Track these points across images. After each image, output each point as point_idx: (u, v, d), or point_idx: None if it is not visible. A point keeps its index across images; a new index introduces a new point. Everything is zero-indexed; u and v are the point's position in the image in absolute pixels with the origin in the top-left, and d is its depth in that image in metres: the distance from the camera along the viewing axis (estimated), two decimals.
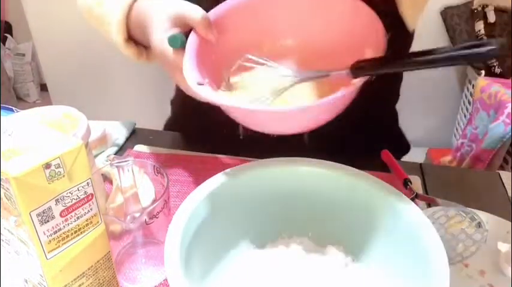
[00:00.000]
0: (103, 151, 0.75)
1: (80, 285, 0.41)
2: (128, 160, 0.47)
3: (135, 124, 0.83)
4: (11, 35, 2.51)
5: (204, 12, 0.48)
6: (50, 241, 0.36)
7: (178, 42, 0.47)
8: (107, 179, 0.65)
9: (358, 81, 0.42)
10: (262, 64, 0.48)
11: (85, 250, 0.39)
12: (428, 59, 0.38)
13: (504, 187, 0.68)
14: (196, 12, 0.47)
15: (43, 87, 2.43)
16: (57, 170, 0.35)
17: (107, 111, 1.81)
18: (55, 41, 1.80)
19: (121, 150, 0.77)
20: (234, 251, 0.49)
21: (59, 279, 0.38)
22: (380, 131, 0.79)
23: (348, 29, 0.49)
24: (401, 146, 0.85)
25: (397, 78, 0.79)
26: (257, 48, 0.51)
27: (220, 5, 0.51)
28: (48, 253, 0.36)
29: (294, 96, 0.47)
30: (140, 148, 0.77)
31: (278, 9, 0.52)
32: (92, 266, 0.41)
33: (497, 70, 1.46)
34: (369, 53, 0.44)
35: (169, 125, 0.88)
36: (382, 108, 0.81)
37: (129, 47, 0.57)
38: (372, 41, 0.45)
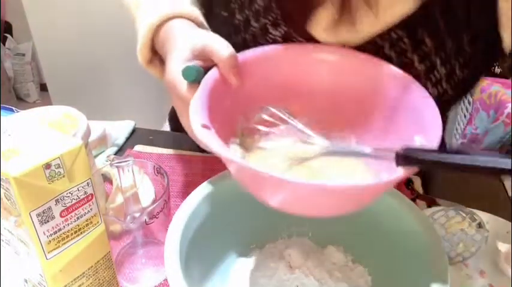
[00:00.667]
0: (103, 151, 0.75)
1: (80, 285, 0.41)
2: (128, 160, 0.47)
3: (135, 124, 0.83)
4: (11, 35, 2.51)
5: (234, 51, 0.42)
6: (50, 241, 0.36)
7: (194, 75, 0.41)
8: (107, 179, 0.65)
9: (405, 171, 0.33)
10: (286, 122, 0.41)
11: (85, 250, 0.39)
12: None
13: (504, 187, 0.68)
14: (225, 48, 0.42)
15: (43, 87, 2.43)
16: (57, 170, 0.35)
17: (107, 111, 1.81)
18: (55, 41, 1.80)
19: (121, 150, 0.77)
20: (234, 251, 0.49)
21: (59, 279, 0.38)
22: None
23: (394, 105, 0.43)
24: None
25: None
26: (281, 101, 0.44)
27: (247, 50, 0.46)
28: (48, 253, 0.36)
29: (315, 168, 0.39)
30: (140, 148, 0.77)
31: (313, 64, 0.47)
32: (92, 266, 0.41)
33: (497, 70, 1.46)
34: (418, 140, 0.38)
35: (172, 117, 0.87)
36: None
37: (150, 67, 0.55)
38: (423, 126, 0.39)
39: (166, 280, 0.50)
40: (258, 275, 0.48)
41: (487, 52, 0.53)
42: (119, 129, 0.80)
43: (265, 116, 0.42)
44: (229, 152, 0.35)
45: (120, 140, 0.78)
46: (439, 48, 0.50)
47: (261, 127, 0.43)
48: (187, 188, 0.66)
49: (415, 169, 0.34)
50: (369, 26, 0.48)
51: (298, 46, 0.49)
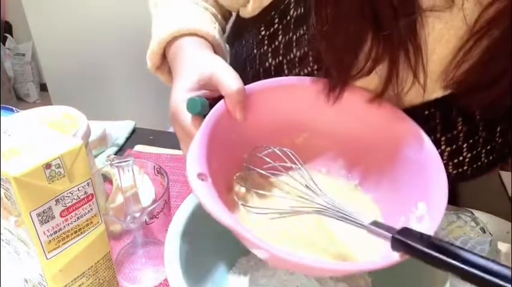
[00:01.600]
0: (103, 151, 0.75)
1: (80, 285, 0.40)
2: (128, 160, 0.47)
3: (135, 124, 0.83)
4: (11, 35, 2.51)
5: (242, 84, 0.40)
6: (50, 241, 0.36)
7: (198, 107, 0.39)
8: (107, 179, 0.65)
9: (400, 257, 0.32)
10: (292, 162, 0.41)
11: (85, 250, 0.39)
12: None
13: (504, 187, 0.68)
14: (234, 81, 0.40)
15: (43, 87, 2.43)
16: (57, 170, 0.35)
17: (107, 111, 1.81)
18: (55, 41, 1.80)
19: (121, 150, 0.77)
20: (234, 251, 0.49)
21: (59, 279, 0.38)
22: None
23: (404, 160, 0.42)
24: None
25: None
26: (287, 139, 0.45)
27: (255, 83, 0.44)
28: (48, 253, 0.36)
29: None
30: (140, 147, 0.77)
31: (320, 106, 0.45)
32: (92, 266, 0.41)
33: None
34: (420, 207, 0.37)
35: None
36: None
37: (158, 73, 0.55)
38: (428, 192, 0.37)
39: (166, 280, 0.50)
40: (258, 275, 0.47)
41: None
42: (119, 129, 0.80)
43: (268, 159, 0.41)
44: (222, 213, 0.33)
45: (120, 140, 0.78)
46: (469, 135, 0.48)
47: (264, 172, 0.41)
48: (187, 188, 0.66)
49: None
50: (415, 97, 0.46)
51: (308, 80, 0.45)
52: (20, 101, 2.52)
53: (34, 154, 0.34)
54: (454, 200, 0.51)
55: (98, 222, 0.40)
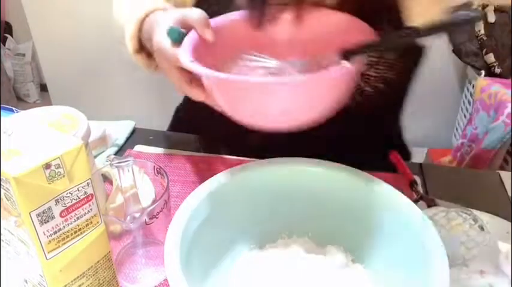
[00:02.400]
0: (103, 151, 0.75)
1: (80, 285, 0.40)
2: (128, 160, 0.47)
3: (135, 124, 0.83)
4: (11, 35, 2.51)
5: (203, 12, 0.50)
6: (50, 241, 0.36)
7: (176, 34, 0.49)
8: (107, 179, 0.65)
9: (348, 64, 0.43)
10: (259, 61, 0.50)
11: (85, 250, 0.39)
12: (414, 31, 0.41)
13: (504, 187, 0.68)
14: (195, 12, 0.50)
15: (43, 87, 2.43)
16: (57, 170, 0.35)
17: (107, 111, 1.80)
18: (55, 41, 1.80)
19: (121, 150, 0.77)
20: (234, 251, 0.49)
21: (59, 279, 0.38)
22: (381, 141, 0.79)
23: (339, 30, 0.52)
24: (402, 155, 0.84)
25: (404, 91, 0.78)
26: (252, 49, 0.53)
27: (218, 17, 0.54)
28: (48, 253, 0.36)
29: None
30: (140, 148, 0.77)
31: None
32: (92, 266, 0.41)
33: (497, 70, 1.46)
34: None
35: (173, 127, 0.89)
36: (385, 119, 0.81)
37: (138, 57, 0.62)
38: (361, 33, 0.48)
39: (166, 280, 0.50)
40: (258, 276, 0.48)
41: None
42: (119, 129, 0.80)
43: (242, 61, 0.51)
44: (215, 72, 0.43)
45: (120, 140, 0.78)
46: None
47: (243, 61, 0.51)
48: (187, 188, 0.66)
49: (359, 59, 0.44)
50: None
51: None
52: (20, 101, 2.52)
53: (34, 154, 0.34)
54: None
55: (97, 222, 0.40)
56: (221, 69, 0.49)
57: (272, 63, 0.50)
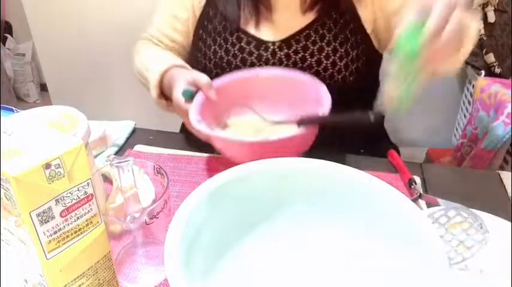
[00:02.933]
0: (103, 151, 0.75)
1: (80, 285, 0.40)
2: (128, 160, 0.47)
3: (135, 124, 0.83)
4: (11, 35, 2.51)
5: (209, 78, 0.70)
6: (50, 241, 0.36)
7: (189, 94, 0.68)
8: (107, 179, 0.65)
9: (301, 129, 0.61)
10: (248, 111, 0.72)
11: (85, 250, 0.39)
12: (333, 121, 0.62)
13: (504, 187, 0.68)
14: (203, 77, 0.70)
15: (43, 87, 2.43)
16: (57, 170, 0.35)
17: (107, 111, 1.80)
18: (55, 41, 1.80)
19: (121, 150, 0.77)
20: (234, 251, 0.49)
21: (59, 279, 0.38)
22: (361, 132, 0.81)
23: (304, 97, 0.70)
24: (387, 146, 0.87)
25: (374, 83, 0.90)
26: (243, 104, 0.73)
27: (218, 78, 0.73)
28: (48, 253, 0.36)
29: (273, 133, 0.63)
30: (140, 147, 0.77)
31: (258, 84, 0.75)
32: (92, 266, 0.41)
33: (497, 70, 1.46)
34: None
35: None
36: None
37: (160, 101, 0.78)
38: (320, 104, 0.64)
39: (166, 280, 0.50)
40: (257, 276, 0.48)
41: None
42: (119, 129, 0.80)
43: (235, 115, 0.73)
44: (213, 131, 0.65)
45: (120, 140, 0.78)
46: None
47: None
48: (187, 188, 0.66)
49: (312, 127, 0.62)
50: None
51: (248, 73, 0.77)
52: (20, 101, 2.52)
53: (34, 154, 0.34)
54: None
55: (97, 222, 0.40)
56: (222, 117, 0.72)
57: (259, 118, 0.71)
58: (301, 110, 0.66)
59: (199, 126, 0.62)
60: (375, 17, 0.80)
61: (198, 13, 0.85)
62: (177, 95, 0.68)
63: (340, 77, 0.78)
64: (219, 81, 0.73)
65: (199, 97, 0.68)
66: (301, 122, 0.61)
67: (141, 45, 0.90)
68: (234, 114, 0.73)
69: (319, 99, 0.65)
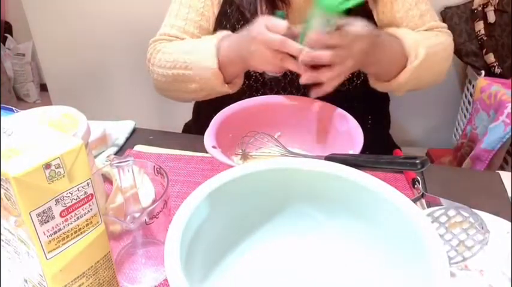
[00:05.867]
0: (103, 151, 0.75)
1: (80, 285, 0.40)
2: (128, 160, 0.47)
3: (135, 124, 0.83)
4: (11, 35, 2.51)
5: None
6: (50, 241, 0.36)
7: (283, 16, 0.68)
8: (107, 179, 0.65)
9: None
10: (267, 143, 0.69)
11: (85, 250, 0.39)
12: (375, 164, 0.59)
13: (504, 187, 0.68)
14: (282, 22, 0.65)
15: (43, 87, 2.42)
16: (57, 170, 0.35)
17: (107, 111, 1.80)
18: (55, 41, 1.80)
19: (121, 150, 0.77)
20: (234, 251, 0.49)
21: (59, 279, 0.38)
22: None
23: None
24: (391, 147, 0.90)
25: (385, 99, 0.94)
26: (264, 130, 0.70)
27: (235, 104, 0.70)
28: (48, 253, 0.36)
29: None
30: (140, 147, 0.77)
31: (282, 111, 0.73)
32: (92, 266, 0.41)
33: (497, 70, 1.46)
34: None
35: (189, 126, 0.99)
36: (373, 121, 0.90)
37: (219, 72, 0.72)
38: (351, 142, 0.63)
39: (166, 280, 0.50)
40: (258, 276, 0.48)
41: None
42: (119, 129, 0.80)
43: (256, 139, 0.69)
44: (229, 160, 0.59)
45: (120, 140, 0.78)
46: None
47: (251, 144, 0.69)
48: (187, 188, 0.66)
49: None
50: None
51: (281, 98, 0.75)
52: (20, 101, 2.52)
53: (34, 154, 0.34)
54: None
55: (97, 222, 0.40)
56: (239, 143, 0.68)
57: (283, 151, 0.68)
58: (327, 143, 0.66)
59: (215, 152, 0.59)
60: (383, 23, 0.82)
61: (216, 11, 0.83)
62: (261, 23, 0.64)
63: (349, 83, 0.78)
64: (236, 105, 0.70)
65: (213, 124, 0.65)
66: (330, 160, 0.57)
67: (162, 44, 0.83)
68: (253, 143, 0.69)
69: (348, 133, 0.64)
